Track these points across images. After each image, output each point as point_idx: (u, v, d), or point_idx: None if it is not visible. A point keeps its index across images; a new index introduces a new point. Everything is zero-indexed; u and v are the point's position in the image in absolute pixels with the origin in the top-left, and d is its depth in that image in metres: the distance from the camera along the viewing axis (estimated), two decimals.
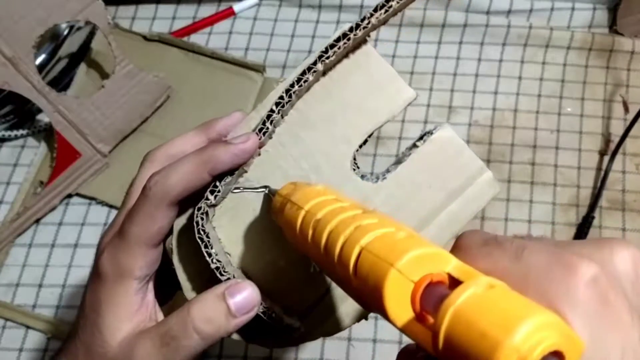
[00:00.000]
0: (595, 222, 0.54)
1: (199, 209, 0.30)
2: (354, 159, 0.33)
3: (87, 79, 0.62)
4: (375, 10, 0.31)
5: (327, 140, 0.32)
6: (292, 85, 0.31)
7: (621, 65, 0.61)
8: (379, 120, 0.33)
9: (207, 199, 0.30)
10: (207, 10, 0.66)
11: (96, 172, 0.58)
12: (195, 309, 0.29)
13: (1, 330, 0.53)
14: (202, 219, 0.30)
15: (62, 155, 0.56)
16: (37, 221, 0.57)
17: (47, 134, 0.60)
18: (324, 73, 0.32)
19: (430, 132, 0.32)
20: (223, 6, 0.66)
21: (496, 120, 0.59)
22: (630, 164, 0.56)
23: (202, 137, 0.33)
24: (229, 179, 0.30)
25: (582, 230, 0.53)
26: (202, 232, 0.29)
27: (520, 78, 0.61)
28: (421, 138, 0.33)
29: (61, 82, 0.62)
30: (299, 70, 0.31)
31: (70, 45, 0.62)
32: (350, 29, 0.31)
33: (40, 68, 0.59)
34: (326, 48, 0.31)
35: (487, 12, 0.63)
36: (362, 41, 0.33)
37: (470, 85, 0.61)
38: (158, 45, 0.63)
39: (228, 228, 0.32)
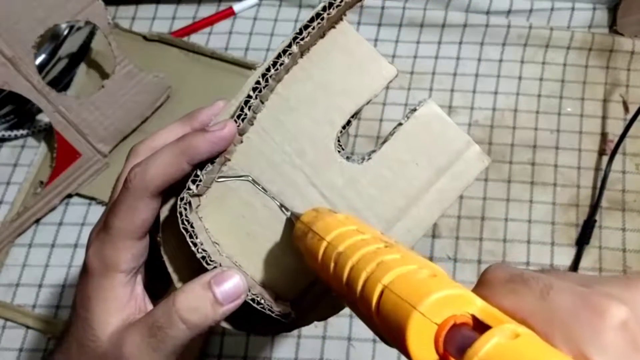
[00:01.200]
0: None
1: (182, 199, 0.30)
2: (338, 140, 0.32)
3: (87, 79, 0.62)
4: None
5: (309, 123, 0.32)
6: (268, 70, 0.31)
7: (621, 65, 0.61)
8: (360, 100, 0.32)
9: (189, 188, 0.30)
10: (207, 10, 0.66)
11: (96, 172, 0.58)
12: (180, 298, 0.29)
13: (1, 330, 0.53)
14: (185, 209, 0.30)
15: (62, 155, 0.56)
16: (37, 221, 0.57)
17: (47, 134, 0.60)
18: (302, 55, 0.32)
19: (414, 109, 0.32)
20: (223, 6, 0.66)
21: (496, 120, 0.59)
22: (630, 164, 0.56)
23: (186, 128, 0.33)
24: (210, 167, 0.30)
25: (585, 233, 0.53)
26: (186, 223, 0.29)
27: (520, 78, 0.61)
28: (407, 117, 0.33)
29: (61, 82, 0.62)
30: (275, 53, 0.31)
31: (70, 45, 0.62)
32: (324, 9, 0.30)
33: (40, 68, 0.59)
34: (300, 29, 0.30)
35: (487, 12, 0.63)
36: (338, 20, 0.32)
37: (470, 85, 0.61)
38: (158, 45, 0.63)
39: (215, 218, 0.32)
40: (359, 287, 0.22)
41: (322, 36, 0.32)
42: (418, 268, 0.21)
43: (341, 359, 0.50)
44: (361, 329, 0.51)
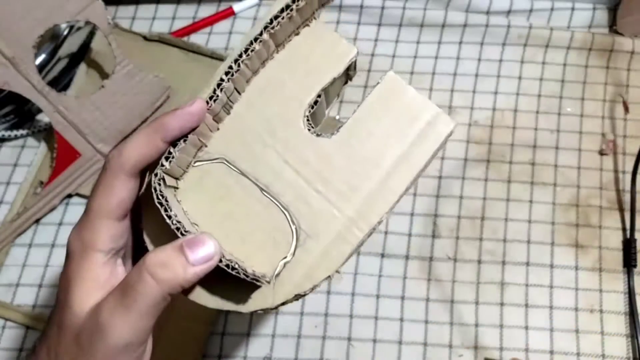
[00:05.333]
0: (595, 221, 0.54)
1: (156, 174, 0.31)
2: (308, 119, 0.34)
3: (87, 79, 0.62)
4: None
5: (278, 103, 0.34)
6: (240, 55, 0.33)
7: (621, 65, 0.61)
8: (325, 78, 0.35)
9: (162, 165, 0.31)
10: (207, 10, 0.66)
11: (96, 172, 0.58)
12: (150, 256, 0.30)
13: (1, 330, 0.53)
14: (159, 184, 0.31)
15: (62, 155, 0.56)
16: (37, 221, 0.57)
17: (47, 134, 0.60)
18: (277, 50, 0.35)
19: (377, 83, 0.34)
20: (223, 6, 0.66)
21: (496, 120, 0.59)
22: (630, 164, 0.56)
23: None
24: (182, 145, 0.32)
25: (629, 255, 0.53)
26: (160, 197, 0.30)
27: (520, 78, 0.61)
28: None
29: (61, 82, 0.62)
30: (246, 40, 0.33)
31: (70, 45, 0.62)
32: (293, 0, 0.33)
33: (40, 68, 0.59)
34: (270, 19, 0.33)
35: (487, 12, 0.63)
36: (311, 17, 0.35)
37: (470, 85, 0.61)
38: (158, 45, 0.63)
39: (193, 200, 0.33)
40: None
41: (297, 34, 0.35)
42: None
43: (341, 359, 0.50)
44: (361, 329, 0.51)
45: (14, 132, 0.60)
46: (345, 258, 0.32)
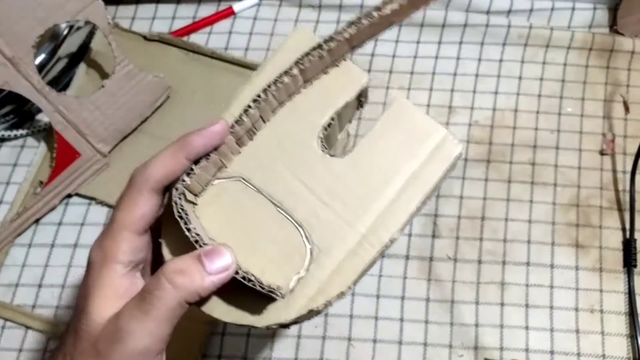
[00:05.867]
0: (595, 221, 0.54)
1: (176, 189, 0.32)
2: (322, 140, 0.35)
3: (87, 79, 0.62)
4: (349, 25, 0.35)
5: (294, 124, 0.36)
6: (269, 86, 0.35)
7: (621, 65, 0.61)
8: (338, 103, 0.36)
9: (183, 180, 0.33)
10: (207, 10, 0.66)
11: (96, 172, 0.58)
12: (169, 264, 0.31)
13: (1, 331, 0.53)
14: (180, 198, 0.32)
15: (62, 155, 0.56)
16: (37, 221, 0.57)
17: (47, 133, 0.60)
18: (305, 85, 0.36)
19: (388, 103, 0.36)
20: (223, 6, 0.66)
21: (496, 120, 0.59)
22: (630, 164, 0.56)
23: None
24: (204, 163, 0.33)
25: (630, 256, 0.52)
26: (180, 211, 0.32)
27: (520, 78, 0.61)
28: None
29: (61, 82, 0.62)
30: (277, 72, 0.35)
31: (70, 45, 0.62)
32: (325, 41, 0.35)
33: (40, 68, 0.59)
34: (302, 55, 0.35)
35: (487, 12, 0.63)
36: (341, 58, 0.36)
37: (470, 85, 0.61)
38: (158, 45, 0.63)
39: (211, 217, 0.34)
40: None
41: (326, 73, 0.36)
42: None
43: (341, 359, 0.50)
44: (361, 329, 0.51)
45: (14, 132, 0.60)
46: (358, 274, 0.33)
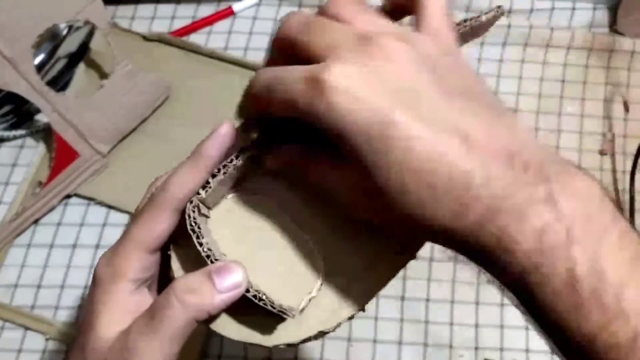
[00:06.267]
0: None
1: (191, 202, 0.31)
2: None
3: (86, 79, 0.62)
4: None
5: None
6: None
7: (621, 65, 0.61)
8: None
9: (199, 193, 0.32)
10: (206, 10, 0.66)
11: (95, 172, 0.58)
12: (178, 281, 0.30)
13: (0, 331, 0.53)
14: (194, 211, 0.31)
15: (61, 155, 0.56)
16: (36, 221, 0.57)
17: (46, 134, 0.60)
18: None
19: None
20: (222, 6, 0.66)
21: None
22: (630, 164, 0.56)
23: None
24: (221, 177, 0.32)
25: None
26: (193, 224, 0.31)
27: (520, 78, 0.61)
28: None
29: (60, 82, 0.62)
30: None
31: (69, 45, 0.62)
32: None
33: (39, 68, 0.59)
34: None
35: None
36: None
37: None
38: (158, 45, 0.63)
39: (223, 231, 0.33)
40: None
41: None
42: None
43: (341, 359, 0.50)
44: (361, 329, 0.51)
45: (13, 132, 0.60)
46: (371, 295, 0.32)
